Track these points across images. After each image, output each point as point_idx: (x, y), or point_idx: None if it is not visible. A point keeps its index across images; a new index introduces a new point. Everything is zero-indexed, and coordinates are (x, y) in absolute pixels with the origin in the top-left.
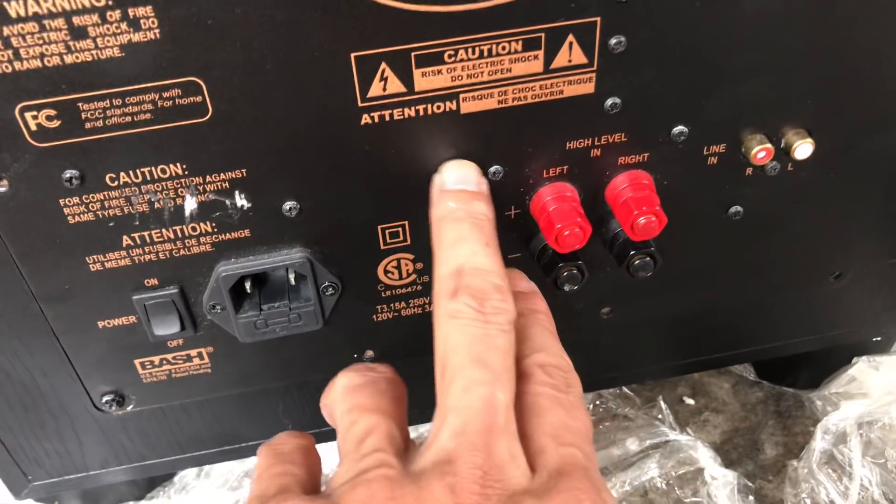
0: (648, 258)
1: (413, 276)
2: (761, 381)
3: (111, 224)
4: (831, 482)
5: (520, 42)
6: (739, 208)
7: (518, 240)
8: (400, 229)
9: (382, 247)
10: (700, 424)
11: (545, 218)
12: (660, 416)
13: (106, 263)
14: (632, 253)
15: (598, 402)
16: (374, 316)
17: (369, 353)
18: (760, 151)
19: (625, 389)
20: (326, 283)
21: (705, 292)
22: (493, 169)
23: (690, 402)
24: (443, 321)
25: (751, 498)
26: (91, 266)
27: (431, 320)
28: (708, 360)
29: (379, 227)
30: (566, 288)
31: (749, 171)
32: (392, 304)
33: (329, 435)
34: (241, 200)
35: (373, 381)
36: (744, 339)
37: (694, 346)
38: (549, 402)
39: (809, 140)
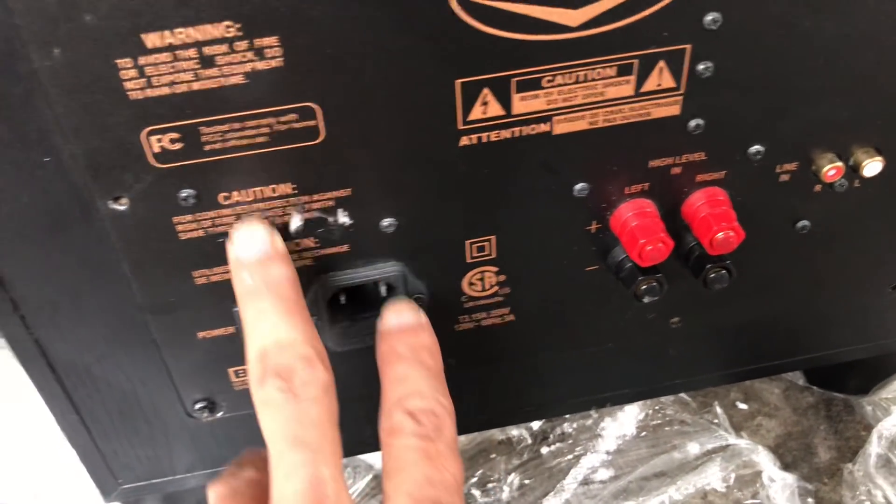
0: (724, 271)
1: (495, 288)
2: (811, 387)
3: (220, 240)
4: (889, 485)
5: (614, 68)
6: (807, 223)
7: (596, 253)
8: (486, 243)
9: (469, 260)
10: (754, 429)
11: (628, 233)
12: (716, 421)
13: (211, 277)
14: (708, 266)
15: (657, 408)
16: (456, 326)
17: (449, 361)
18: (831, 169)
19: (682, 395)
20: (417, 295)
21: (769, 303)
22: (578, 186)
23: (743, 406)
24: (259, 412)
25: (810, 500)
26: (197, 279)
27: (509, 329)
28: (765, 367)
29: (467, 242)
30: (646, 299)
31: (818, 187)
32: (473, 315)
33: None
34: (343, 218)
35: (235, 489)
36: (799, 348)
37: (752, 355)
38: (413, 454)
39: (879, 158)
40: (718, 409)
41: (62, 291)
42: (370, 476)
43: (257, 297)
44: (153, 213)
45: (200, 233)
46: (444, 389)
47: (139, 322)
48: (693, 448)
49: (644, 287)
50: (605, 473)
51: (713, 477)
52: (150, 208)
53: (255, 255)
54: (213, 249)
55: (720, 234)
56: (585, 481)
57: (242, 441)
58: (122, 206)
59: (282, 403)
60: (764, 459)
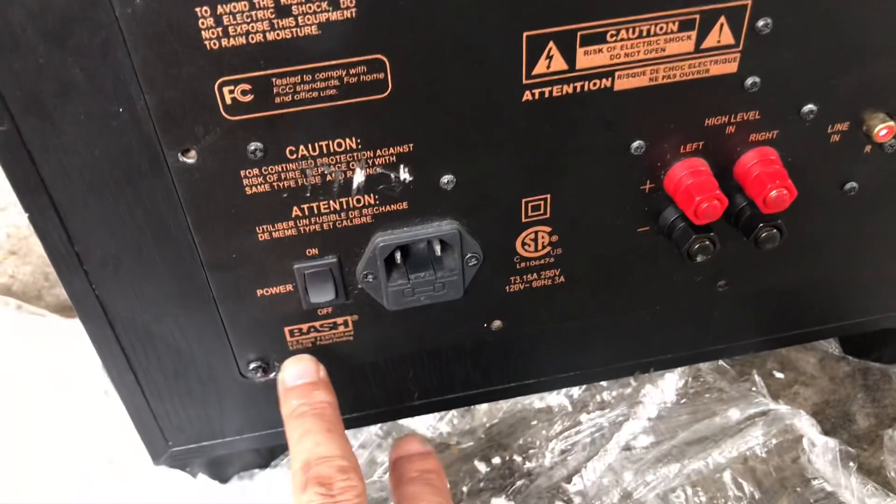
0: (776, 230)
1: (548, 249)
2: (847, 356)
3: (285, 195)
4: None
5: (676, 23)
6: (855, 184)
7: (648, 214)
8: (542, 202)
9: (524, 219)
10: (791, 397)
11: (683, 191)
12: (753, 389)
13: (274, 233)
14: (760, 226)
15: (695, 376)
16: (507, 287)
17: (497, 323)
18: (883, 129)
19: (721, 363)
20: (470, 255)
21: (813, 266)
22: (636, 144)
23: (780, 376)
24: None
25: (852, 464)
26: (259, 235)
27: (559, 291)
28: (805, 333)
29: (523, 201)
30: (699, 258)
31: (868, 148)
32: (525, 276)
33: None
34: (404, 174)
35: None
36: (839, 314)
37: (793, 321)
38: None
39: None
40: (757, 378)
41: (126, 247)
42: None
43: (302, 419)
44: (221, 167)
45: (266, 187)
46: (448, 500)
47: (199, 279)
48: (733, 414)
49: (697, 246)
50: (646, 439)
51: (754, 441)
52: (218, 161)
53: (302, 381)
54: (278, 205)
55: (774, 192)
56: (627, 447)
57: None
58: (190, 158)
59: None
60: (805, 424)
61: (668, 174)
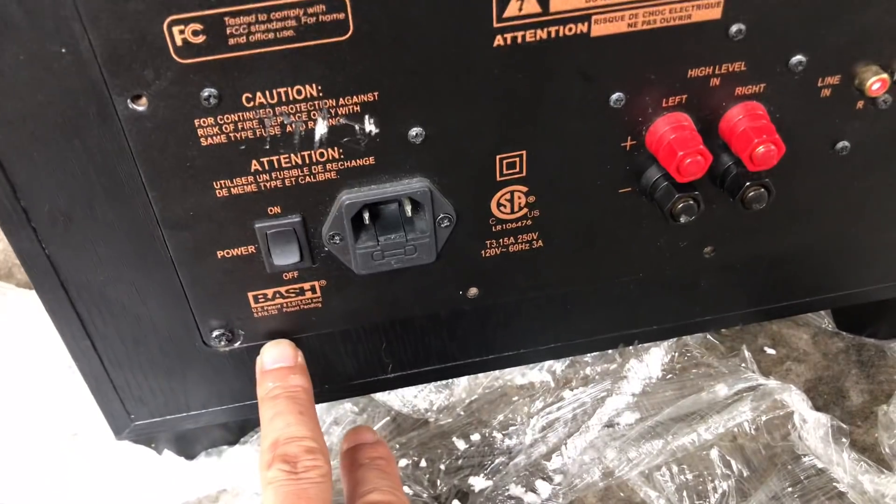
0: (763, 189)
1: (525, 210)
2: (840, 332)
3: (242, 147)
4: None
5: None
6: (846, 143)
7: (630, 174)
8: (517, 159)
9: (498, 178)
10: (783, 374)
11: (665, 147)
12: (743, 365)
13: (232, 189)
14: (746, 185)
15: (683, 351)
16: (483, 251)
17: (473, 290)
18: (876, 82)
19: (709, 338)
20: (442, 215)
21: (803, 232)
22: (615, 96)
23: (772, 352)
24: (263, 490)
25: (844, 440)
26: (217, 192)
27: (537, 256)
28: (796, 304)
29: (497, 157)
30: (682, 219)
31: (860, 104)
32: (501, 240)
33: (426, 376)
34: (369, 126)
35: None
36: (831, 284)
37: (783, 291)
38: None
39: None
40: (746, 353)
41: (76, 202)
42: (388, 418)
43: (276, 400)
44: (173, 115)
45: (222, 138)
46: (398, 486)
47: (156, 238)
48: (721, 389)
49: (681, 205)
50: (630, 416)
51: (742, 417)
52: (170, 109)
53: (279, 365)
54: (236, 158)
55: (761, 148)
56: (610, 423)
57: None
58: (141, 106)
59: (284, 481)
60: (796, 399)
61: (650, 130)
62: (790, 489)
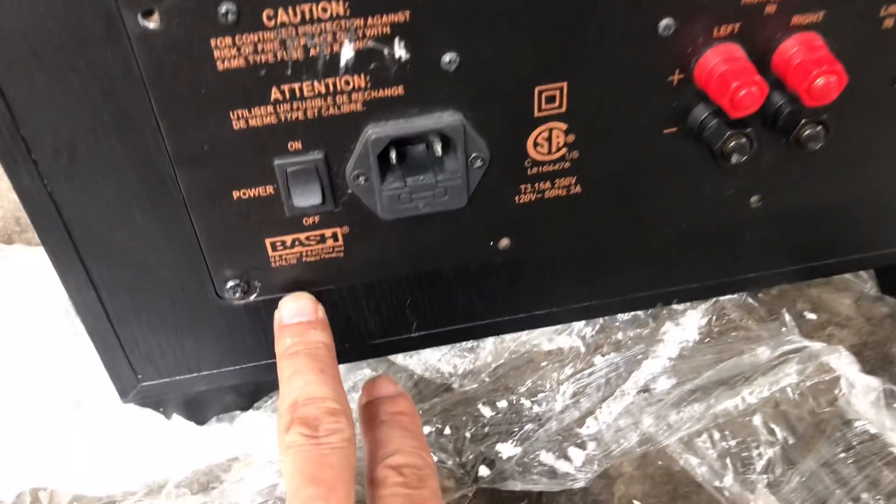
0: (820, 127)
1: (563, 151)
2: (884, 296)
3: (262, 73)
4: None
5: None
6: None
7: (676, 112)
8: (558, 92)
9: (537, 113)
10: (824, 339)
11: (718, 78)
12: (784, 329)
13: (250, 120)
14: (802, 122)
15: (720, 314)
16: (517, 197)
17: (505, 241)
18: None
19: (748, 301)
20: (475, 154)
21: (857, 180)
22: (664, 22)
23: (812, 317)
24: (282, 455)
25: None
26: (234, 123)
27: (575, 203)
28: (843, 262)
29: (536, 90)
30: (734, 159)
31: None
32: (536, 184)
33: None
34: (399, 50)
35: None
36: (881, 241)
37: (830, 247)
38: (400, 501)
39: None
40: (787, 316)
41: (80, 133)
42: (409, 383)
43: (295, 357)
44: (188, 33)
45: (240, 62)
46: (424, 446)
47: (167, 176)
48: (763, 352)
49: (733, 143)
50: (667, 381)
51: (786, 382)
52: (184, 26)
53: (298, 320)
54: (255, 85)
55: (821, 79)
56: (646, 388)
57: None
58: (152, 22)
59: (303, 446)
60: (844, 362)
61: (700, 62)
62: (842, 455)
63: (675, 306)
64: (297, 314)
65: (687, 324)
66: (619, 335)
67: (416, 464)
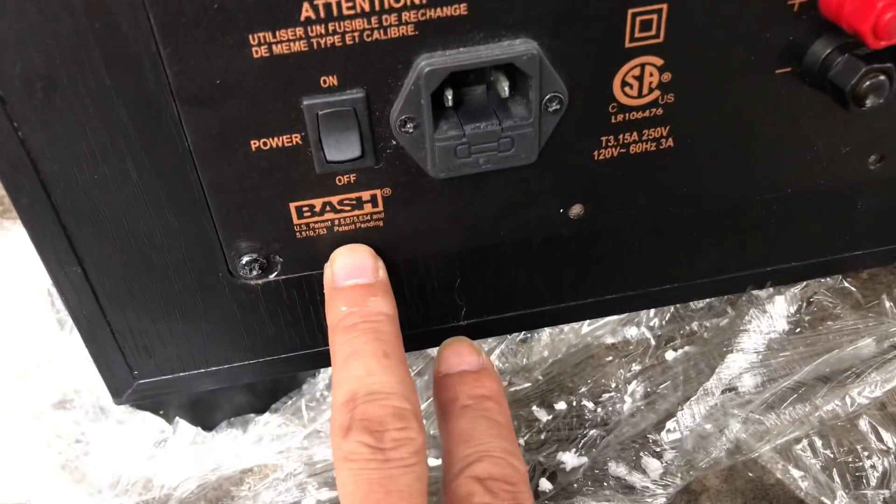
0: None
1: (656, 94)
2: None
3: None
4: None
5: None
6: None
7: (792, 48)
8: (655, 17)
9: (628, 43)
10: None
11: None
12: (886, 319)
13: (274, 46)
14: None
15: (810, 300)
16: (596, 152)
17: (577, 208)
18: None
19: (844, 284)
20: (552, 94)
21: None
22: None
23: None
24: (338, 466)
25: None
26: (254, 49)
27: (665, 161)
28: None
29: (630, 12)
30: (869, 102)
31: None
32: (621, 135)
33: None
34: None
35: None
36: None
37: None
38: None
39: None
40: (888, 304)
41: (60, 60)
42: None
43: (352, 333)
44: None
45: None
46: (515, 449)
47: (170, 119)
48: (868, 346)
49: (869, 83)
50: (753, 378)
51: None
52: None
53: (355, 282)
54: None
55: None
56: (731, 387)
57: (304, 319)
58: None
59: (367, 462)
60: None
61: None
62: None
63: (755, 292)
64: (353, 274)
65: (773, 311)
66: (694, 325)
67: (508, 476)
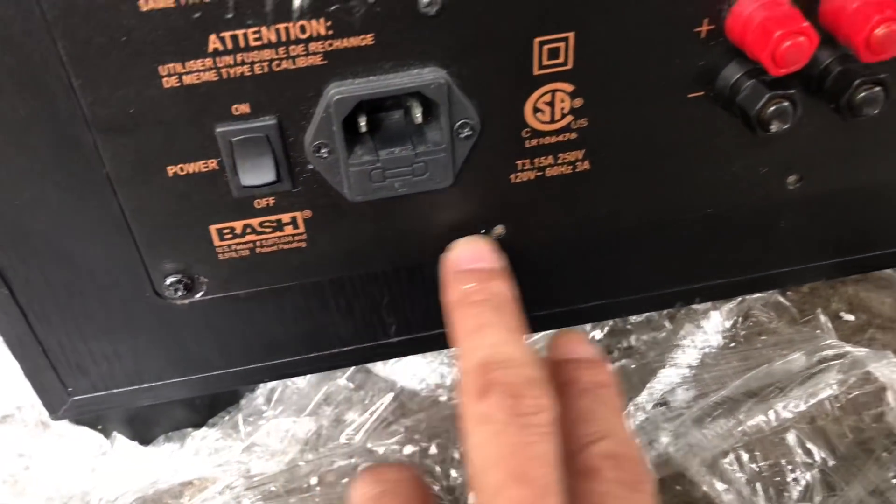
0: (879, 88)
1: (568, 118)
2: None
3: (196, 15)
4: None
5: None
6: None
7: (703, 72)
8: (562, 45)
9: (537, 71)
10: (865, 343)
11: (756, 28)
12: (819, 332)
13: (185, 77)
14: (857, 82)
15: (746, 316)
16: (513, 175)
17: (499, 229)
18: None
19: (778, 299)
20: (463, 121)
21: None
22: None
23: (850, 318)
24: (473, 427)
25: None
26: (165, 80)
27: (582, 182)
28: (887, 255)
29: (536, 41)
30: (773, 128)
31: None
32: (536, 159)
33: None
34: None
35: (393, 488)
36: None
37: (877, 237)
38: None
39: None
40: (822, 318)
41: None
42: (390, 395)
43: (480, 308)
44: None
45: (169, 1)
46: (634, 438)
47: (85, 146)
48: (798, 359)
49: (773, 108)
50: (686, 392)
51: (827, 392)
52: None
53: (479, 266)
54: (188, 30)
55: (882, 28)
56: (663, 401)
57: (227, 337)
58: None
59: (506, 426)
60: (893, 370)
61: (733, 10)
62: (895, 480)
63: (694, 306)
64: (476, 259)
65: (709, 326)
66: (632, 339)
67: (633, 456)
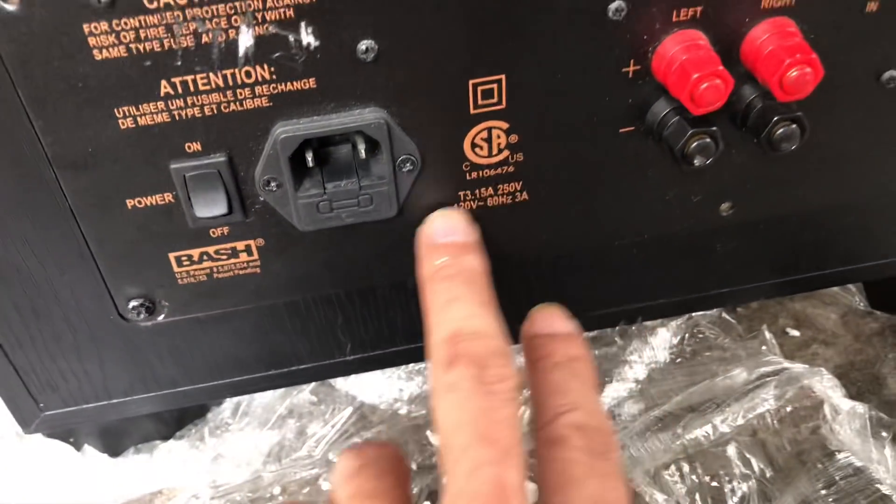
0: (794, 125)
1: (505, 153)
2: (874, 311)
3: (147, 63)
4: None
5: None
6: (895, 73)
7: (633, 108)
8: (495, 86)
9: (473, 110)
10: (808, 358)
11: (677, 70)
12: (764, 348)
13: (139, 119)
14: (775, 119)
15: (693, 332)
16: (456, 205)
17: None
18: None
19: (724, 317)
20: (404, 157)
21: (839, 184)
22: (615, 5)
23: (795, 333)
24: (441, 395)
25: (885, 434)
26: (121, 122)
27: (521, 212)
28: (827, 275)
29: (470, 83)
30: (696, 162)
31: None
32: (477, 191)
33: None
34: (307, 37)
35: (373, 461)
36: (869, 252)
37: (813, 259)
38: (583, 470)
39: None
40: (767, 334)
41: None
42: (350, 408)
43: (451, 282)
44: (55, 17)
45: (121, 50)
46: (604, 410)
47: (48, 182)
48: (740, 374)
49: (695, 144)
50: (633, 406)
51: (765, 407)
52: (50, 9)
53: (452, 240)
54: (140, 77)
55: (794, 70)
56: (611, 414)
57: (190, 356)
58: (11, 4)
59: (472, 393)
60: (827, 386)
61: (658, 52)
62: (823, 492)
63: (645, 322)
64: (450, 232)
65: (657, 343)
66: None
67: (602, 427)
